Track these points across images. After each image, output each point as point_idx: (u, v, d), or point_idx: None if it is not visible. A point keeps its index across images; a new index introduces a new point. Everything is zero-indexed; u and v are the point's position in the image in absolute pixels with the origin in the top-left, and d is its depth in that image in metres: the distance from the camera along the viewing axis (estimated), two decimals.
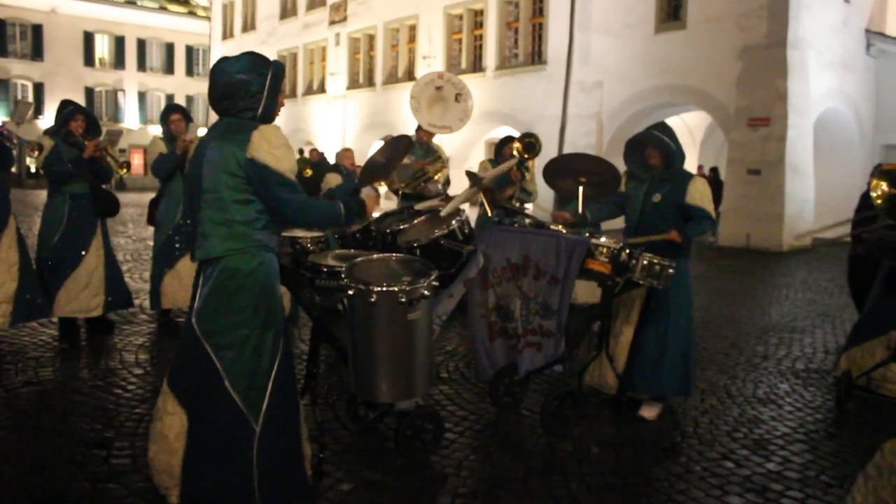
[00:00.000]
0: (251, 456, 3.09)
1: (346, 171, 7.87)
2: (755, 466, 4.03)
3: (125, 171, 6.20)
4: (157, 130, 6.86)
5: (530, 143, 7.62)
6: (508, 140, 8.01)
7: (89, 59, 41.98)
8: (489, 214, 4.85)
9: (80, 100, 38.47)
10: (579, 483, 3.73)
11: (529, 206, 7.92)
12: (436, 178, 7.41)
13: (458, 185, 5.81)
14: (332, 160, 8.64)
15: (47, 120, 38.45)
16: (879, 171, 2.80)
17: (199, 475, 3.11)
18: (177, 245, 6.44)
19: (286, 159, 3.11)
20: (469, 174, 4.72)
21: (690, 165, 20.67)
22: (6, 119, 31.97)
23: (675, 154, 4.66)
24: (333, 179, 7.58)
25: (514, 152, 7.55)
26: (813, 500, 3.64)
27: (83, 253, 6.08)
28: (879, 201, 2.66)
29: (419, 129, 7.76)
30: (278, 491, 3.19)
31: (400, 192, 7.46)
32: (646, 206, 4.76)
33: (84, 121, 6.12)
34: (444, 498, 3.49)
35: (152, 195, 6.89)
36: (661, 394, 4.77)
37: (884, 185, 2.68)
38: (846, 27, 18.89)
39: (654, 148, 4.73)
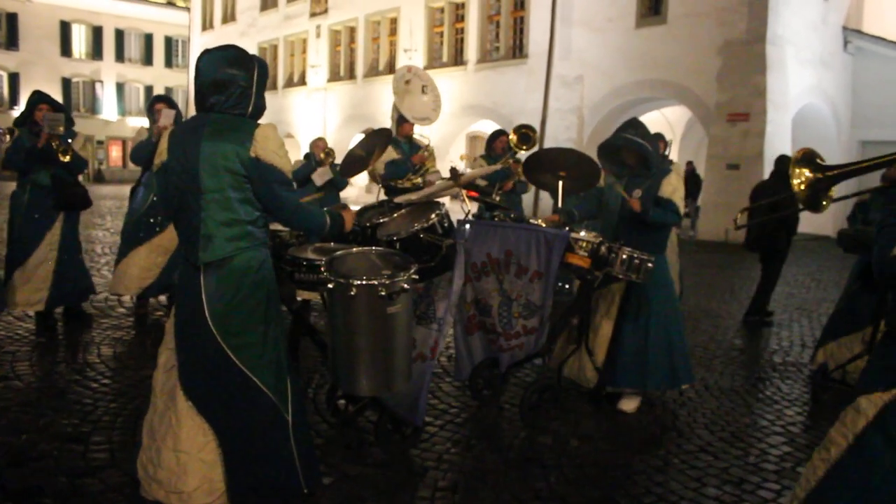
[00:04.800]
0: (291, 445, 3.21)
1: (314, 158, 7.89)
2: (732, 459, 4.07)
3: (67, 158, 6.01)
4: (136, 122, 6.70)
5: (525, 135, 7.67)
6: (499, 134, 8.04)
7: (66, 50, 41.43)
8: (468, 209, 4.84)
9: (57, 90, 37.97)
10: (558, 476, 3.75)
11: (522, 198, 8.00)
12: (433, 169, 7.41)
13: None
14: (306, 149, 8.58)
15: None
16: (794, 160, 2.79)
17: (246, 475, 3.15)
18: (151, 221, 6.33)
19: (286, 159, 3.14)
20: (451, 170, 4.72)
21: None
22: None
23: (651, 155, 4.65)
24: (296, 164, 7.63)
25: (510, 143, 7.61)
26: (788, 491, 3.67)
27: (34, 247, 6.02)
28: (802, 187, 2.65)
29: (403, 122, 7.73)
30: (317, 473, 3.39)
31: (381, 186, 7.44)
32: (626, 203, 4.76)
33: (48, 110, 6.04)
34: (425, 491, 3.50)
35: (132, 186, 6.81)
36: (644, 388, 4.79)
37: (806, 172, 2.68)
38: (824, 24, 19.07)
39: (628, 151, 4.73)
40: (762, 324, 7.67)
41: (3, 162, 5.91)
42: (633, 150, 4.65)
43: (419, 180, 7.17)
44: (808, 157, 2.74)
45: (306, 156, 7.92)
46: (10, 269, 5.99)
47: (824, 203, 2.81)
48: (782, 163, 7.55)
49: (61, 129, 5.85)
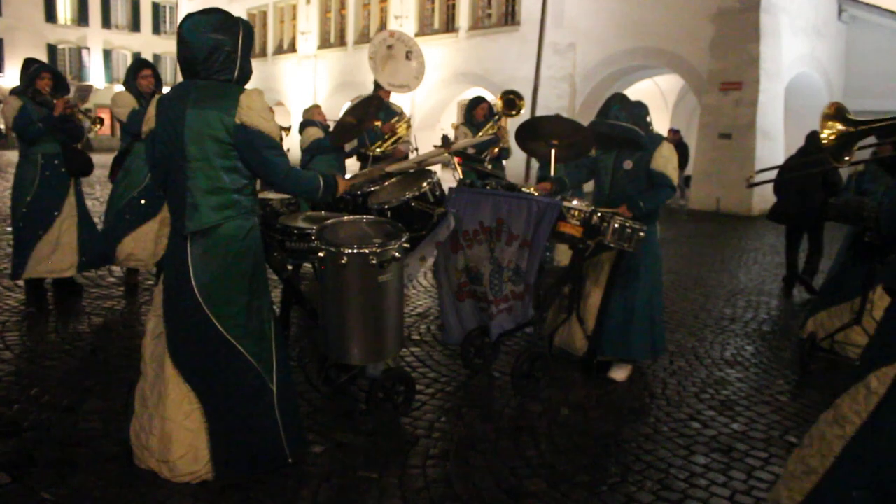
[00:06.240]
0: (275, 415, 3.24)
1: (322, 125, 7.77)
2: (721, 427, 4.11)
3: (98, 126, 6.00)
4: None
5: (511, 101, 7.63)
6: (479, 101, 7.98)
7: (51, 15, 40.69)
8: (460, 177, 4.82)
9: (42, 57, 37.25)
10: (549, 444, 3.77)
11: (504, 164, 7.93)
12: (404, 136, 7.37)
13: (428, 147, 5.76)
14: (300, 117, 8.37)
15: (8, 78, 37.36)
16: (824, 115, 2.97)
17: (230, 444, 3.17)
18: (143, 203, 6.27)
19: (273, 123, 3.11)
20: (443, 138, 4.69)
21: (661, 129, 20.77)
22: None
23: (641, 138, 4.58)
24: (315, 133, 7.48)
25: (493, 109, 7.59)
26: (776, 458, 3.72)
27: (56, 213, 5.98)
28: (832, 137, 2.80)
29: (378, 88, 7.68)
30: (300, 443, 3.43)
31: (369, 155, 7.38)
32: (617, 173, 4.73)
33: (51, 79, 5.98)
34: (416, 459, 3.52)
35: (115, 154, 6.70)
36: (629, 357, 4.82)
37: (839, 125, 2.83)
38: None
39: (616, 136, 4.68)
40: (809, 289, 7.75)
41: (18, 133, 5.82)
42: (620, 136, 4.61)
43: (389, 148, 7.15)
44: (839, 111, 2.89)
45: (305, 124, 7.72)
46: (30, 240, 5.91)
47: (847, 158, 2.93)
48: (815, 137, 7.57)
49: (87, 100, 5.85)
